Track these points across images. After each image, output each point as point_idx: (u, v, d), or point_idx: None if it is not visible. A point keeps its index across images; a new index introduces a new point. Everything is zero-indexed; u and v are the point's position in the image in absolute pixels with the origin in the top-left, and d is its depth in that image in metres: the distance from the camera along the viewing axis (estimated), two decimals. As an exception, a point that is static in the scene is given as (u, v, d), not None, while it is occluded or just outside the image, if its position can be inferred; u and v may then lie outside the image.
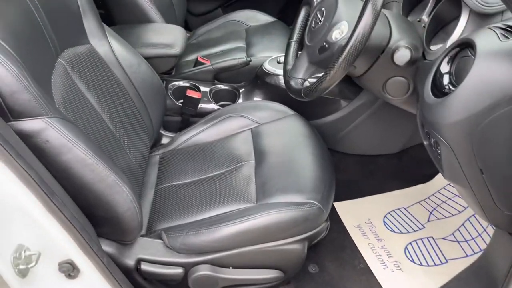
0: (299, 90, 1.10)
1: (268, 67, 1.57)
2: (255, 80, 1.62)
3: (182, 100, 1.55)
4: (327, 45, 1.06)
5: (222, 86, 1.65)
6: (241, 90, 1.63)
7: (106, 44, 1.14)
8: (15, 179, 0.70)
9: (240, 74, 1.67)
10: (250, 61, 1.67)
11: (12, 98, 0.76)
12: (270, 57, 1.62)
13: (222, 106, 1.55)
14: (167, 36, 1.57)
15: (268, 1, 2.32)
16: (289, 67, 1.21)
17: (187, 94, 1.52)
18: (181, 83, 1.62)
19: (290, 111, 1.38)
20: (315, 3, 1.21)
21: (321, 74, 1.05)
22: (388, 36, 1.05)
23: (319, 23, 1.11)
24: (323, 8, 1.12)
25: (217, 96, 1.62)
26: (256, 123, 1.34)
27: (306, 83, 1.14)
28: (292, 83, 1.15)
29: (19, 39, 0.83)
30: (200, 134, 1.35)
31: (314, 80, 1.07)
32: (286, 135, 1.29)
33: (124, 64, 1.18)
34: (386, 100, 1.21)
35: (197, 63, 1.70)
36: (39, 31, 0.92)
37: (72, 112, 0.94)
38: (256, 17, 2.09)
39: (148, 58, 1.30)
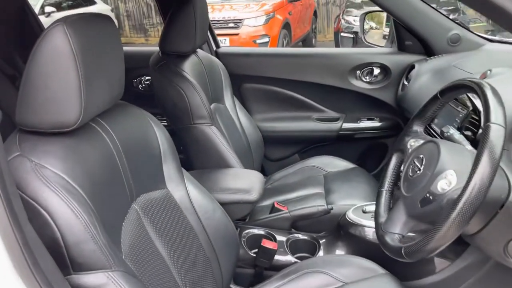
0: (398, 248, 0.93)
1: (352, 216, 1.43)
2: (337, 230, 1.47)
3: (256, 250, 1.42)
4: (431, 197, 0.91)
5: (300, 236, 1.51)
6: (321, 241, 1.47)
7: (183, 190, 1.10)
8: None
9: (320, 223, 1.54)
10: (332, 209, 1.55)
11: (77, 248, 0.71)
12: (354, 206, 1.49)
13: (300, 258, 1.40)
14: (244, 181, 1.53)
15: (346, 147, 2.27)
16: (382, 219, 1.06)
17: (262, 244, 1.40)
18: (255, 230, 1.51)
19: (380, 269, 1.20)
20: (410, 150, 1.10)
21: (421, 228, 0.90)
22: (507, 188, 0.89)
23: (418, 171, 0.99)
24: (421, 155, 1.01)
25: (294, 247, 1.47)
26: (340, 282, 1.16)
27: (405, 240, 0.97)
28: (388, 239, 0.98)
29: (96, 185, 0.80)
30: (274, 292, 1.18)
31: (413, 235, 0.91)
32: (378, 300, 1.09)
33: (198, 210, 1.11)
34: (508, 265, 0.99)
35: (273, 209, 1.60)
36: (117, 176, 0.90)
37: (137, 263, 0.86)
38: (334, 163, 2.02)
39: (224, 204, 1.24)
